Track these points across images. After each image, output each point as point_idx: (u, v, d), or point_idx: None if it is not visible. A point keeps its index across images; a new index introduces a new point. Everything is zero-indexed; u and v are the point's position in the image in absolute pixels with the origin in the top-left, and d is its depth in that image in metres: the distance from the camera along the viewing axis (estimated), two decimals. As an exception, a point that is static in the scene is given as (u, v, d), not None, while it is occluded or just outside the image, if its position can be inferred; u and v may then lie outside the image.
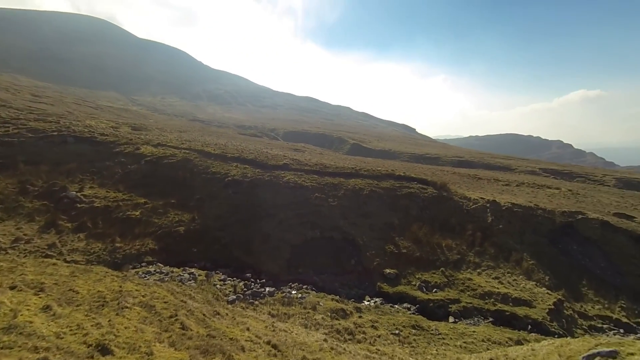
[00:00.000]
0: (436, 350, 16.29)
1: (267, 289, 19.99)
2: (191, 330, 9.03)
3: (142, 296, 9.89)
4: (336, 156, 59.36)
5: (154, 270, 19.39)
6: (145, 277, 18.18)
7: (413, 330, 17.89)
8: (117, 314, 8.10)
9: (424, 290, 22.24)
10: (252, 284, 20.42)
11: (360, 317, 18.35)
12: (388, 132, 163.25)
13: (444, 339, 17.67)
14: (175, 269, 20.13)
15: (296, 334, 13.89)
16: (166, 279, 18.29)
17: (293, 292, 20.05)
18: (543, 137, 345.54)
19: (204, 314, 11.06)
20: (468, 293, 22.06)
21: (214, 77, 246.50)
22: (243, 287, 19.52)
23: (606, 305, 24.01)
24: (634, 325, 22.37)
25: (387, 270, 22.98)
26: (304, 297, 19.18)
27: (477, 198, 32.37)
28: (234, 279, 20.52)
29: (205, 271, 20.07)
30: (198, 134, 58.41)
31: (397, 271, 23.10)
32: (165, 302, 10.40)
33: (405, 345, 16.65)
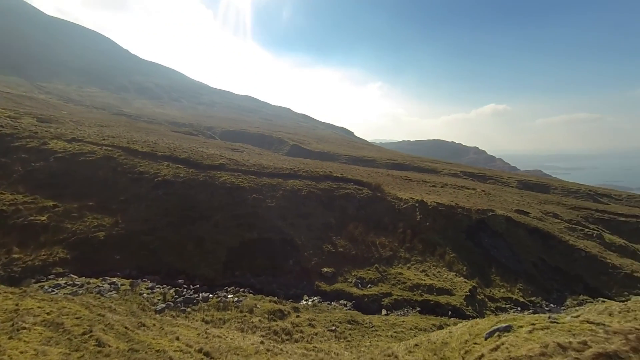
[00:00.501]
0: (369, 342, 17.17)
1: (201, 294, 19.00)
2: (109, 346, 8.15)
3: (47, 313, 8.61)
4: (275, 157, 58.95)
5: (65, 283, 17.04)
6: (53, 291, 15.88)
7: (349, 325, 18.59)
8: (10, 338, 6.92)
9: (359, 286, 23.29)
10: (185, 290, 19.20)
11: (298, 316, 18.47)
12: (327, 135, 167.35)
13: (377, 330, 18.69)
14: (92, 280, 17.95)
15: (231, 338, 13.45)
16: (80, 291, 16.21)
17: (229, 296, 19.35)
18: (463, 144, 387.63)
19: (126, 327, 10.06)
20: (399, 286, 23.71)
21: (143, 68, 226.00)
22: (174, 294, 18.24)
23: (509, 289, 27.85)
24: (528, 303, 26.37)
25: (325, 269, 23.54)
26: (241, 301, 18.65)
27: (408, 198, 34.99)
28: (164, 286, 19.07)
29: (129, 280, 18.28)
30: (123, 129, 52.94)
31: (334, 270, 23.81)
32: (77, 318, 9.20)
33: (341, 340, 17.22)
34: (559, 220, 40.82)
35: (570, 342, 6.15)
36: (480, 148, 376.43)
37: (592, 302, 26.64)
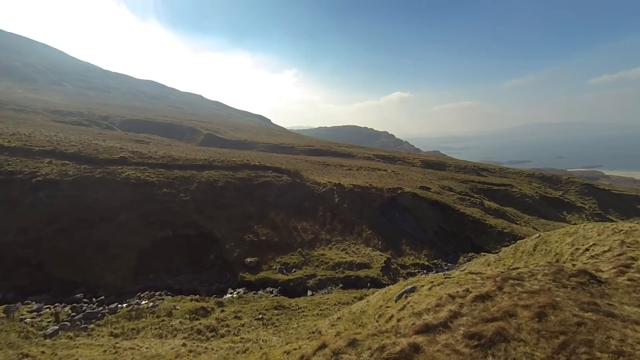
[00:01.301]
0: (297, 324, 17.68)
1: (107, 305, 16.82)
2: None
3: None
4: (188, 147, 54.68)
5: None
6: None
7: (276, 311, 18.80)
8: None
9: (284, 272, 23.63)
10: (85, 305, 16.73)
11: (223, 311, 17.89)
12: (244, 123, 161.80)
13: (303, 311, 19.33)
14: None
15: (147, 347, 12.32)
16: None
17: (143, 302, 17.59)
18: (375, 129, 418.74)
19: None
20: (322, 267, 24.82)
21: (5, 42, 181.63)
22: (70, 311, 15.74)
23: (416, 256, 31.67)
24: (432, 265, 30.48)
25: (249, 259, 23.18)
26: (157, 305, 17.15)
27: (326, 182, 36.42)
28: (57, 305, 16.26)
29: (3, 305, 15.03)
30: (-21, 120, 42.21)
31: (258, 258, 23.63)
32: None
33: (269, 327, 17.34)
34: (453, 193, 47.67)
35: (457, 292, 7.34)
36: (390, 132, 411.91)
37: (477, 257, 32.11)
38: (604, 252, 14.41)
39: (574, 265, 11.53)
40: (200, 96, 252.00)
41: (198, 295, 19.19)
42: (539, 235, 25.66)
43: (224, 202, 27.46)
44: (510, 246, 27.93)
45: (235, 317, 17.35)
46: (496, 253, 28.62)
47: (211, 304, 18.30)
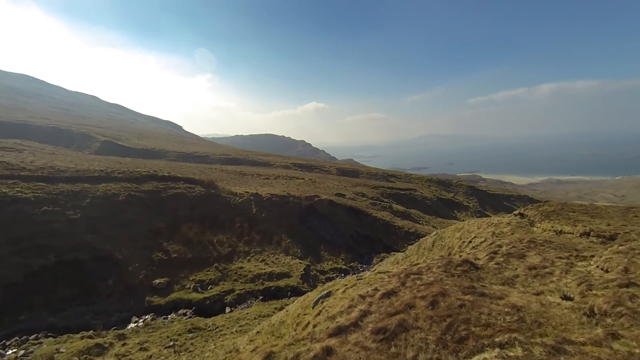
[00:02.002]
0: (214, 345, 16.56)
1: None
2: None
3: None
4: (79, 157, 46.86)
5: None
6: None
7: (190, 335, 17.30)
8: None
9: (200, 290, 22.00)
10: None
11: (124, 344, 15.65)
12: (150, 129, 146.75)
13: (221, 330, 18.24)
14: None
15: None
16: None
17: (9, 352, 14.19)
18: (292, 138, 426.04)
19: None
20: (241, 281, 23.89)
21: None
22: None
23: (335, 260, 33.00)
24: (349, 269, 32.16)
25: (157, 281, 20.89)
26: (32, 352, 14.04)
27: (243, 192, 35.40)
28: None
29: None
30: None
31: (169, 278, 21.50)
32: None
33: (183, 354, 15.85)
34: (366, 198, 51.37)
35: (367, 291, 7.92)
36: (307, 141, 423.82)
37: (388, 256, 35.14)
38: (481, 242, 17.33)
39: (460, 256, 13.57)
40: (96, 97, 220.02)
41: (92, 331, 16.42)
42: (436, 233, 29.45)
43: (126, 218, 24.27)
44: (415, 244, 31.37)
45: (141, 349, 15.36)
46: (403, 251, 31.78)
47: (109, 338, 15.85)
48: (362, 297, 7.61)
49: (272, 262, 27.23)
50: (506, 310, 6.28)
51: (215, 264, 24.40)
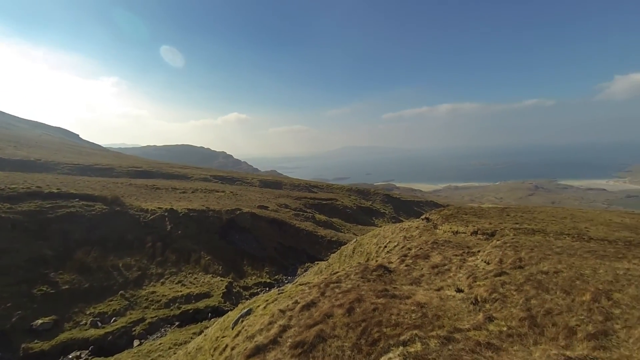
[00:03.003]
0: (117, 387, 14.41)
1: None
2: None
3: None
4: None
5: None
6: None
7: (85, 380, 14.73)
8: None
9: (100, 324, 18.95)
10: None
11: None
12: (35, 137, 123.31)
13: (127, 369, 16.00)
14: None
15: None
16: None
17: None
18: (212, 149, 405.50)
19: None
20: (153, 307, 21.39)
21: None
22: None
23: (258, 275, 32.08)
24: (273, 282, 31.62)
25: (40, 321, 17.28)
26: None
27: (155, 208, 32.13)
28: None
29: None
30: None
31: (57, 316, 17.99)
32: None
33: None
34: (289, 209, 51.54)
35: (288, 305, 7.89)
36: (228, 153, 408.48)
37: (312, 266, 35.70)
38: (395, 246, 18.93)
39: (376, 261, 14.56)
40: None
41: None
42: (356, 240, 31.09)
43: (-7, 247, 19.63)
44: (337, 252, 32.56)
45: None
46: (327, 260, 32.66)
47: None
48: (282, 311, 7.54)
49: (190, 282, 25.13)
50: (412, 308, 6.94)
51: (121, 292, 21.39)
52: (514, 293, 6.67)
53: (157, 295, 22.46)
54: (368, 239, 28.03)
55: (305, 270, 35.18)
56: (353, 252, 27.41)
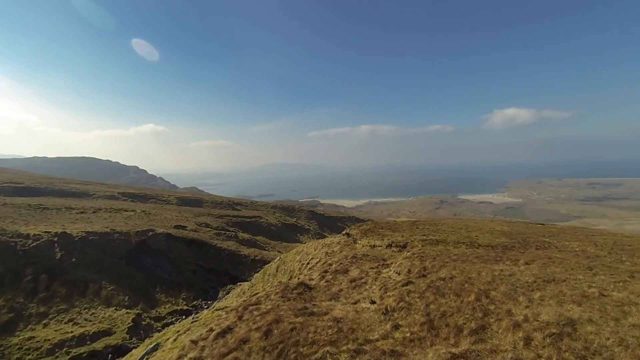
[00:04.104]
0: None
1: None
2: None
3: None
4: None
5: None
6: None
7: None
8: None
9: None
10: None
11: None
12: None
13: None
14: None
15: None
16: None
17: None
18: (122, 163, 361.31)
19: None
20: (29, 357, 17.51)
21: None
22: None
23: (174, 302, 29.13)
24: (191, 308, 29.03)
25: None
26: None
27: (41, 232, 26.96)
28: None
29: None
30: None
31: None
32: None
33: None
34: (210, 229, 48.55)
35: (201, 335, 7.33)
36: (141, 167, 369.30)
37: (235, 287, 33.94)
38: (317, 262, 19.28)
39: (298, 279, 14.60)
40: None
41: None
42: (280, 258, 30.75)
43: None
44: (260, 272, 31.64)
45: None
46: (250, 280, 31.44)
47: None
48: (195, 342, 6.97)
49: (86, 319, 21.43)
50: (329, 324, 7.12)
51: (-17, 342, 17.05)
52: (417, 300, 7.40)
53: (37, 341, 18.54)
54: (291, 256, 28.00)
55: (227, 293, 33.25)
56: (277, 271, 27.02)
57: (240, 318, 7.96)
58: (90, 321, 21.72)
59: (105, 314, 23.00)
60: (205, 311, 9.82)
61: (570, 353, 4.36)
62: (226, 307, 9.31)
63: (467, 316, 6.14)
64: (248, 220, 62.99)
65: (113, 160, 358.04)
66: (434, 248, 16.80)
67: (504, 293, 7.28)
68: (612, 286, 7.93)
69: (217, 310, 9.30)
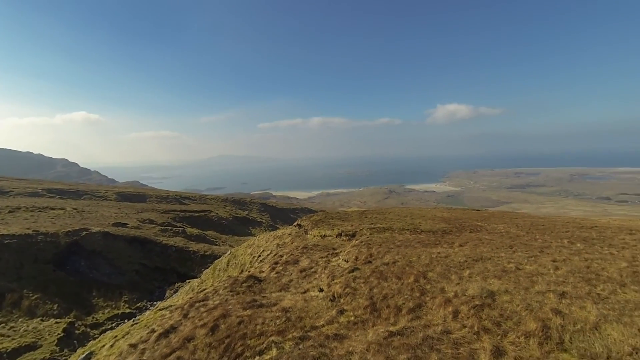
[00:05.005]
0: None
1: None
2: None
3: None
4: None
5: None
6: None
7: None
8: None
9: None
10: None
11: None
12: None
13: None
14: None
15: None
16: None
17: None
18: (46, 155, 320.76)
19: None
20: None
21: None
22: None
23: (114, 306, 26.97)
24: (135, 311, 27.14)
25: None
26: None
27: (-59, 238, 23.05)
28: None
29: None
30: None
31: None
32: None
33: None
34: (154, 225, 45.53)
35: (141, 337, 6.92)
36: (72, 160, 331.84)
37: (184, 285, 32.44)
38: (268, 254, 19.19)
39: (248, 272, 14.41)
40: None
41: None
42: (231, 252, 30.03)
43: None
44: (210, 267, 30.60)
45: None
46: (199, 277, 30.27)
47: None
48: (134, 345, 6.57)
49: (3, 334, 18.94)
50: (277, 315, 7.18)
51: None
52: (362, 285, 7.78)
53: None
54: (243, 249, 27.51)
55: (175, 292, 31.67)
56: (228, 265, 26.39)
57: (185, 316, 7.66)
58: (9, 336, 19.25)
59: (28, 326, 20.53)
60: (147, 313, 9.29)
61: (488, 321, 4.94)
62: (171, 306, 8.90)
63: (406, 296, 6.62)
64: (197, 214, 60.22)
65: (35, 153, 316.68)
66: (380, 235, 17.68)
67: (439, 273, 7.96)
68: (525, 261, 9.11)
69: (160, 310, 8.84)
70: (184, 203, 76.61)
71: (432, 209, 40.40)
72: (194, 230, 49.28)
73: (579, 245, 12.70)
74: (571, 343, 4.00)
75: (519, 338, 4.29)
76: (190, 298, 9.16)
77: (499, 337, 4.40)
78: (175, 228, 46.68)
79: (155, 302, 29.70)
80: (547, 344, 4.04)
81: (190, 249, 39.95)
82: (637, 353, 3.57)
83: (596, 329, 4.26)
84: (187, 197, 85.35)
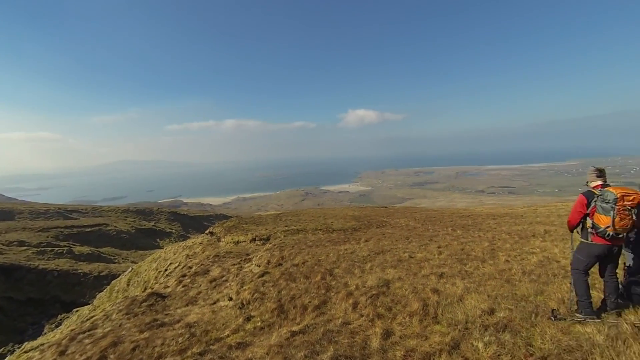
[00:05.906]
0: None
1: None
2: None
3: None
4: None
5: None
6: None
7: None
8: None
9: None
10: None
11: None
12: None
13: None
14: None
15: None
16: None
17: None
18: None
19: None
20: None
21: None
22: None
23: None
24: (-2, 358, 21.85)
25: None
26: None
27: None
28: None
29: None
30: None
31: None
32: None
33: None
34: (27, 247, 37.43)
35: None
36: None
37: (70, 316, 27.44)
38: (176, 267, 17.61)
39: (151, 289, 12.98)
40: None
41: None
42: (132, 269, 26.64)
43: None
44: (106, 289, 26.58)
45: None
46: (91, 303, 26.02)
47: None
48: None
49: None
50: (180, 332, 6.63)
51: None
52: (271, 288, 7.76)
53: None
54: (147, 265, 24.72)
55: (58, 325, 26.58)
56: (128, 285, 23.36)
57: (62, 353, 6.45)
58: None
59: None
60: (8, 357, 7.60)
61: (382, 307, 5.46)
62: (42, 344, 7.42)
63: (313, 295, 6.85)
64: (89, 229, 51.67)
65: None
66: (294, 237, 17.94)
67: (345, 269, 8.47)
68: (417, 249, 10.41)
69: (26, 352, 7.29)
70: (70, 217, 64.98)
71: (345, 208, 42.84)
72: (85, 249, 42.22)
73: (458, 231, 15.07)
74: (442, 315, 4.71)
75: (404, 318, 4.85)
76: (72, 330, 7.78)
77: (389, 321, 4.90)
78: (58, 248, 39.25)
79: (27, 343, 24.37)
80: (425, 320, 4.67)
81: (80, 270, 34.20)
82: (485, 314, 4.42)
83: (461, 301, 5.12)
84: (75, 210, 72.69)
